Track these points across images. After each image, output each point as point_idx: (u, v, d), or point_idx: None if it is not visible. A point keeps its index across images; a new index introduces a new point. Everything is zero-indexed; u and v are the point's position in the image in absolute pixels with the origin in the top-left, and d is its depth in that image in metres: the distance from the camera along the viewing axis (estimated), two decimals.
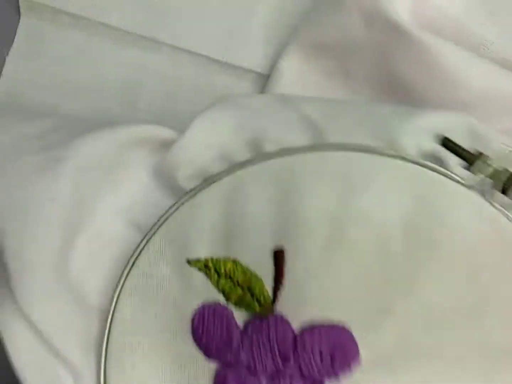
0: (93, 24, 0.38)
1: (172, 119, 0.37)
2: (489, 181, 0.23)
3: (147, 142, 0.28)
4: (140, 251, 0.26)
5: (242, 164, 0.25)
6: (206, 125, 0.27)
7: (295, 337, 0.23)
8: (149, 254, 0.26)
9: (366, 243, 0.23)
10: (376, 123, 0.25)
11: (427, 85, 0.31)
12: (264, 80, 0.37)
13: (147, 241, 0.26)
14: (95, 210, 0.27)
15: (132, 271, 0.26)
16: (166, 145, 0.28)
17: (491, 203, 0.23)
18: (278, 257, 0.24)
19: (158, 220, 0.26)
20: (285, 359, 0.23)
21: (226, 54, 0.37)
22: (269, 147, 0.25)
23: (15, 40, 0.39)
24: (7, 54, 0.38)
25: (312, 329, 0.23)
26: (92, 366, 0.27)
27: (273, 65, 0.36)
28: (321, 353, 0.23)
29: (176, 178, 0.27)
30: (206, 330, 0.25)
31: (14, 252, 0.27)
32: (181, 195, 0.26)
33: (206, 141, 0.27)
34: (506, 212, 0.23)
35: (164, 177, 0.28)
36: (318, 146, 0.24)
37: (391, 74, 0.32)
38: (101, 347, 0.26)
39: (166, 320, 0.26)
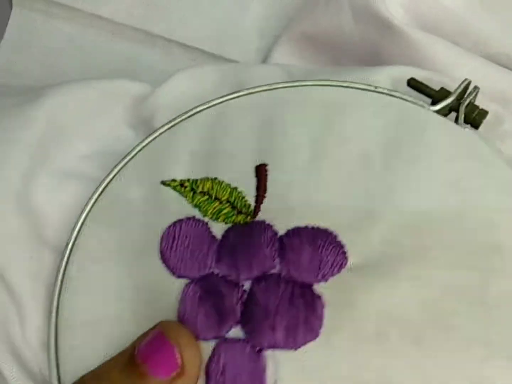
0: (85, 15, 0.37)
1: None
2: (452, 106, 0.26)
3: (126, 94, 0.29)
4: (113, 177, 0.26)
5: (223, 99, 0.26)
6: (187, 76, 0.29)
7: (281, 240, 0.23)
8: (121, 179, 0.26)
9: (348, 159, 0.24)
10: (351, 74, 0.28)
11: None
12: None
13: (121, 168, 0.26)
14: (65, 148, 0.28)
15: (101, 196, 0.26)
16: (144, 100, 0.29)
17: (455, 124, 0.25)
18: (260, 170, 0.24)
19: (135, 147, 0.26)
20: (271, 262, 0.23)
21: (220, 47, 0.37)
22: None
23: (7, 31, 0.38)
24: None
25: (298, 232, 0.23)
26: (41, 299, 0.25)
27: (266, 58, 0.37)
28: (308, 255, 0.23)
29: (154, 124, 0.28)
30: (177, 245, 0.24)
31: None
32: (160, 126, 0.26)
33: (186, 89, 0.28)
34: (469, 128, 0.25)
35: (142, 127, 0.29)
36: (298, 83, 0.26)
37: None
38: (56, 275, 0.25)
39: (133, 244, 0.24)
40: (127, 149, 0.27)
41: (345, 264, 0.23)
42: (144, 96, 0.29)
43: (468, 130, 0.25)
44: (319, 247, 0.23)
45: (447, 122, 0.25)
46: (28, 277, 0.26)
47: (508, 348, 0.22)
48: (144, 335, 0.22)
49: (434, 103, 0.26)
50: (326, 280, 0.22)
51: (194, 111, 0.26)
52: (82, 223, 0.25)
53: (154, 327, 0.22)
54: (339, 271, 0.22)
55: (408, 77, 0.27)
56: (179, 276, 0.23)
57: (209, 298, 0.23)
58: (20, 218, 0.26)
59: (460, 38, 0.31)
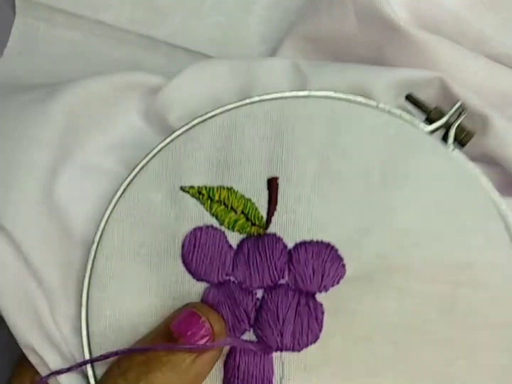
0: (88, 22, 0.38)
1: None
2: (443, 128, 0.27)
3: (139, 86, 0.30)
4: (133, 178, 0.27)
5: (235, 106, 0.28)
6: (198, 70, 0.29)
7: (290, 253, 0.26)
8: (141, 181, 0.27)
9: (349, 174, 0.26)
10: (355, 77, 0.29)
11: None
12: None
13: (141, 169, 0.27)
14: (84, 143, 0.29)
15: (123, 196, 0.27)
16: (157, 91, 0.29)
17: (444, 145, 0.27)
18: (272, 184, 0.27)
19: (153, 149, 0.27)
20: (280, 272, 0.26)
21: (222, 52, 0.37)
22: (258, 92, 0.28)
23: (10, 39, 0.38)
24: (2, 53, 0.38)
25: (304, 246, 0.26)
26: (70, 289, 0.27)
27: None
28: (313, 268, 0.26)
29: (167, 119, 0.29)
30: (198, 251, 0.26)
31: (2, 168, 0.28)
32: (176, 129, 0.27)
33: (198, 84, 0.29)
34: (459, 151, 0.27)
35: (155, 118, 0.30)
36: (305, 95, 0.28)
37: None
38: (84, 270, 0.27)
39: (155, 245, 0.27)
40: (144, 141, 0.29)
41: (343, 276, 0.26)
42: (157, 87, 0.30)
43: (455, 153, 0.27)
44: (322, 261, 0.26)
45: (438, 145, 0.27)
46: (56, 267, 0.28)
47: (469, 350, 0.25)
48: (175, 314, 0.25)
49: (428, 121, 0.27)
50: (327, 290, 0.26)
51: (209, 115, 0.28)
52: (106, 222, 0.27)
53: (185, 306, 0.25)
54: (338, 282, 0.26)
55: (414, 80, 0.28)
56: (199, 280, 0.26)
57: (226, 303, 0.26)
58: (47, 214, 0.28)
59: (461, 39, 0.31)
